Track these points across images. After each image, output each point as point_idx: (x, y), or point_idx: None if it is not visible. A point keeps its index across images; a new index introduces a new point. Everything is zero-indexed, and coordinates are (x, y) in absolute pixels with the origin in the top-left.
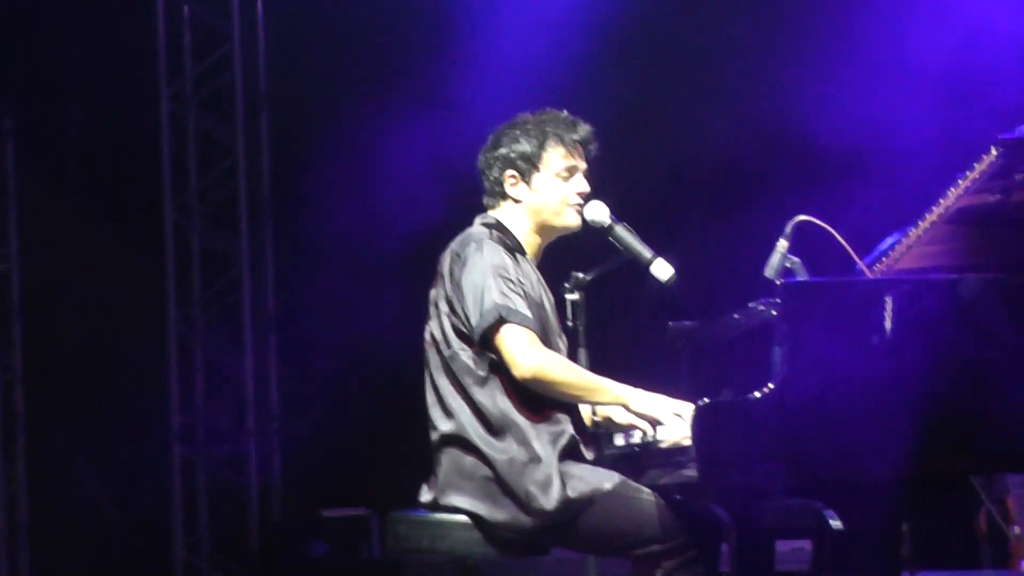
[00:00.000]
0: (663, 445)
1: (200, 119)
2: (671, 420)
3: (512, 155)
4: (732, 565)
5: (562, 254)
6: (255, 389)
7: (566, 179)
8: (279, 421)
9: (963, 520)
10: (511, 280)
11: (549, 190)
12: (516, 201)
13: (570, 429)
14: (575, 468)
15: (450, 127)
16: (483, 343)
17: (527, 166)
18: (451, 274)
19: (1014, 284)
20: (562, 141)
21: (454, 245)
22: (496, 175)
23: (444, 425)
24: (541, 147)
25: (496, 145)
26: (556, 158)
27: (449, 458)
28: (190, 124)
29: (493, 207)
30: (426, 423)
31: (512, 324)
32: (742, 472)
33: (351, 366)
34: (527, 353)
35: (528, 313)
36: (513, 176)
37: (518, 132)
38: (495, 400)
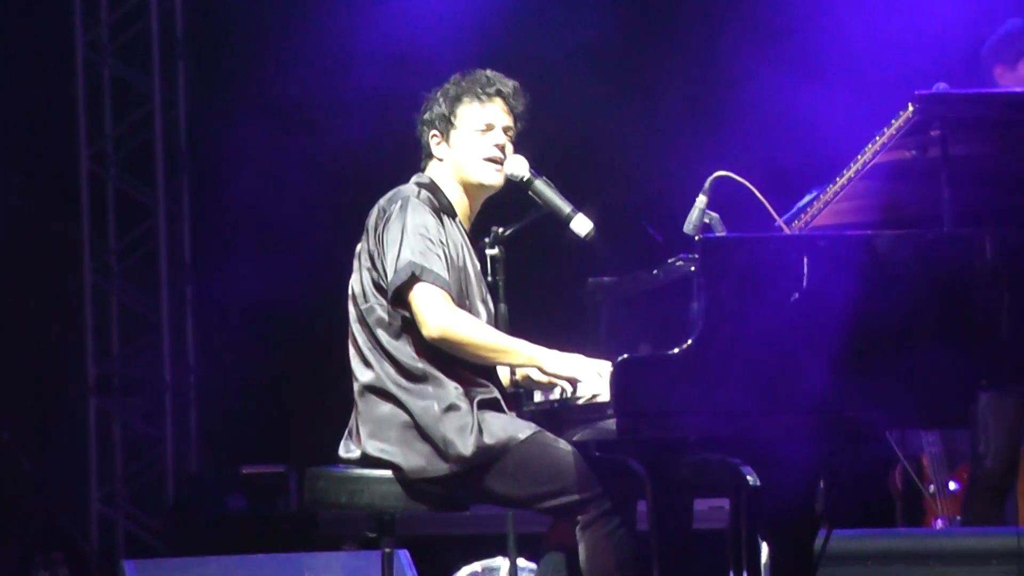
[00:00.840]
0: (581, 402)
1: (116, 67)
2: (587, 378)
3: (432, 117)
4: (650, 522)
5: (481, 209)
6: (171, 341)
7: (483, 133)
8: (195, 373)
9: (878, 478)
10: (431, 239)
11: (465, 145)
12: (440, 160)
13: (493, 391)
14: (493, 417)
15: (374, 74)
16: (395, 299)
17: (445, 125)
18: (375, 229)
19: (928, 239)
20: (477, 97)
21: (383, 201)
22: (425, 137)
23: (363, 375)
24: (455, 104)
25: (424, 109)
26: (470, 113)
27: (368, 407)
28: (105, 71)
29: (424, 168)
30: (346, 377)
31: (424, 283)
32: (660, 427)
33: (269, 319)
34: (437, 312)
35: (443, 273)
36: (436, 135)
37: (438, 94)
38: (411, 353)
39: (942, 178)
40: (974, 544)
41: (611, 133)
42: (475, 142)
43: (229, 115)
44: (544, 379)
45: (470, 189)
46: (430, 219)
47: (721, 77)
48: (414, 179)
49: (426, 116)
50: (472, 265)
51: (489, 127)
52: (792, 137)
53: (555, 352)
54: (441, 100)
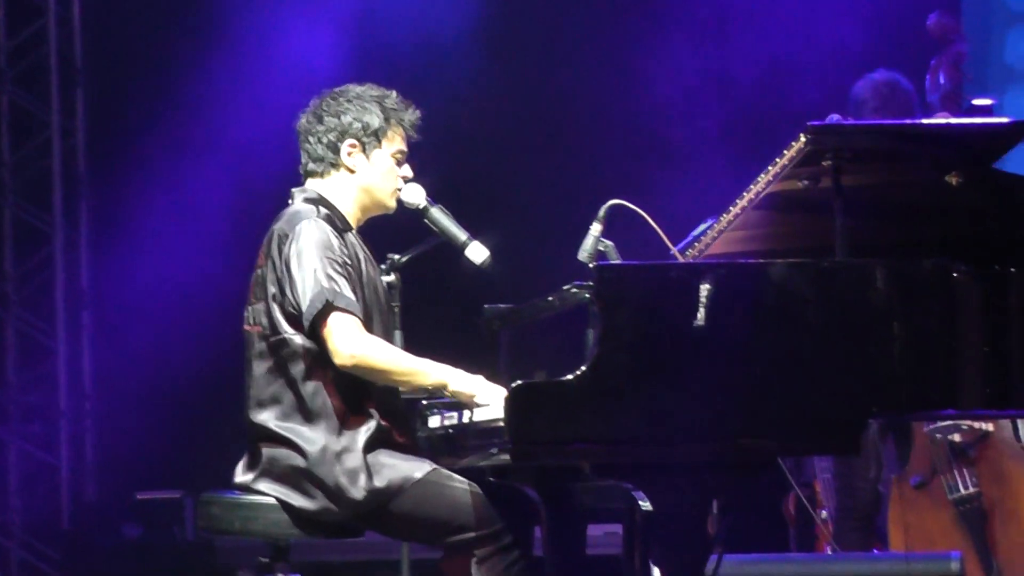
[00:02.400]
0: (479, 427)
1: (14, 93)
2: (489, 401)
3: (357, 125)
4: (545, 548)
5: (377, 236)
6: (68, 367)
7: (398, 162)
8: (92, 400)
9: (772, 504)
10: (336, 261)
11: (384, 169)
12: (350, 171)
13: (384, 423)
14: (386, 457)
15: (274, 100)
16: (311, 330)
17: (371, 140)
18: (279, 255)
19: (821, 269)
20: (402, 124)
21: (280, 225)
22: (332, 140)
23: (258, 413)
24: (387, 124)
25: (336, 112)
26: (397, 139)
27: (262, 447)
28: (4, 98)
29: (320, 175)
30: (242, 405)
31: (337, 311)
32: (554, 454)
33: (166, 346)
34: (349, 341)
35: (352, 297)
36: (353, 146)
37: (364, 104)
38: (316, 388)
39: (834, 208)
40: (864, 570)
41: (508, 161)
42: (393, 169)
43: (129, 142)
44: (448, 397)
45: (368, 208)
46: (334, 239)
47: (621, 103)
48: (300, 196)
49: (346, 120)
50: (375, 277)
51: (404, 157)
52: (686, 164)
53: (460, 372)
54: (375, 111)
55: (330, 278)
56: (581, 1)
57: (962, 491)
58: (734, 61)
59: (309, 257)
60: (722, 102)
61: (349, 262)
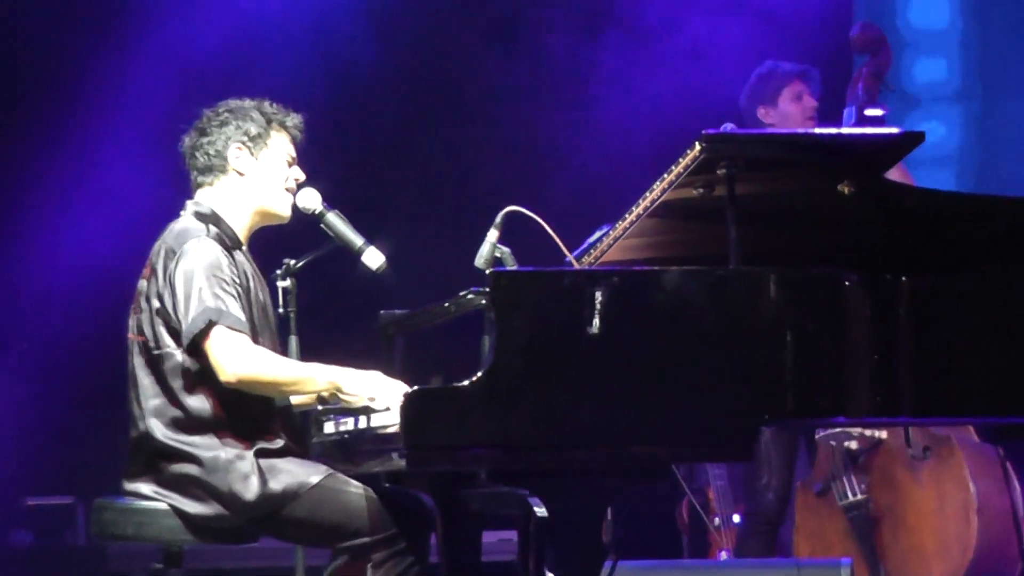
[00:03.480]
0: (372, 432)
1: None
2: (386, 398)
3: (240, 131)
4: (440, 555)
5: (273, 241)
6: None
7: (288, 164)
8: None
9: (665, 511)
10: (225, 280)
11: (274, 169)
12: (240, 174)
13: (279, 434)
14: (281, 463)
15: (162, 94)
16: (192, 346)
17: (256, 142)
18: (164, 270)
19: (715, 277)
20: (285, 126)
21: (168, 239)
22: (219, 148)
23: (144, 423)
24: (268, 128)
25: (219, 124)
26: (282, 142)
27: (151, 456)
28: None
29: (207, 184)
30: (132, 412)
31: (222, 327)
32: (449, 460)
33: (55, 348)
34: (235, 358)
35: (240, 315)
36: (240, 148)
37: (244, 112)
38: (202, 402)
39: (728, 216)
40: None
41: (406, 167)
42: (283, 170)
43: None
44: (345, 399)
45: (260, 216)
46: (222, 258)
47: (516, 112)
48: (192, 209)
49: (229, 129)
50: (263, 293)
51: (293, 160)
52: (585, 170)
53: (353, 371)
54: (255, 117)
55: (216, 297)
56: (476, 7)
57: (851, 497)
58: (639, 66)
59: (196, 276)
60: (623, 109)
61: (238, 280)
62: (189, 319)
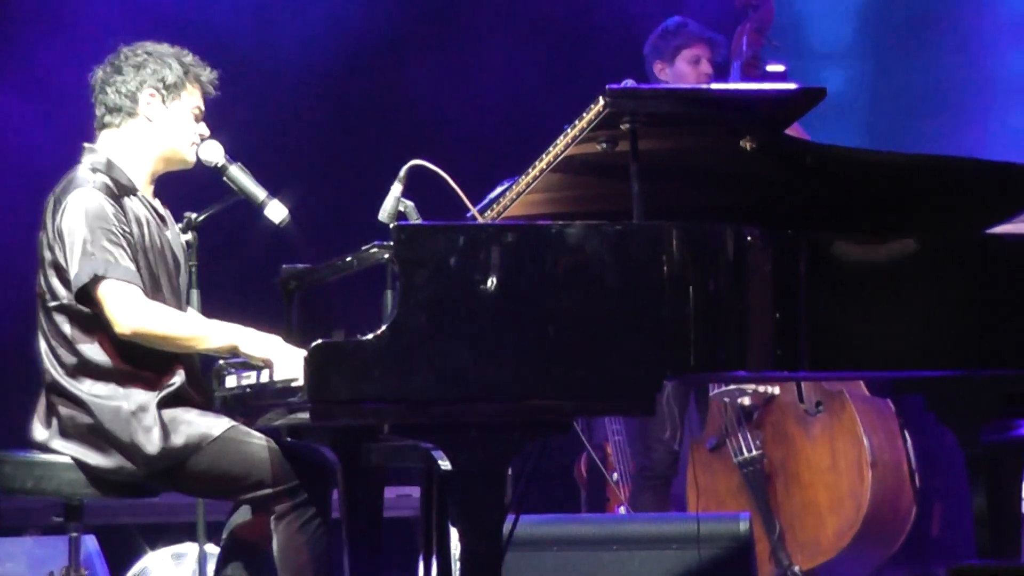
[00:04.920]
0: (275, 386)
1: None
2: (283, 360)
3: (156, 76)
4: (341, 509)
5: (174, 194)
6: None
7: (196, 118)
8: None
9: (564, 466)
10: (112, 231)
11: (183, 121)
12: (148, 120)
13: (179, 378)
14: (183, 414)
15: (60, 51)
16: (81, 298)
17: (170, 91)
18: (53, 222)
19: (616, 231)
20: (200, 80)
21: (57, 190)
22: (131, 89)
23: (50, 374)
24: (185, 79)
25: (135, 64)
26: (194, 95)
27: (55, 407)
28: None
29: (114, 125)
30: (35, 357)
31: (111, 280)
32: (353, 413)
33: None
34: (126, 311)
35: (130, 265)
36: (152, 95)
37: (163, 58)
38: (98, 351)
39: (631, 171)
40: (655, 530)
41: (310, 119)
42: (191, 123)
43: None
44: (242, 359)
45: (165, 162)
46: (108, 208)
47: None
48: (87, 159)
49: (145, 72)
50: (161, 237)
51: (201, 114)
52: (488, 127)
53: (252, 332)
54: (169, 67)
55: (103, 249)
56: None
57: (745, 454)
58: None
59: (81, 227)
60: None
61: (127, 230)
62: (75, 272)
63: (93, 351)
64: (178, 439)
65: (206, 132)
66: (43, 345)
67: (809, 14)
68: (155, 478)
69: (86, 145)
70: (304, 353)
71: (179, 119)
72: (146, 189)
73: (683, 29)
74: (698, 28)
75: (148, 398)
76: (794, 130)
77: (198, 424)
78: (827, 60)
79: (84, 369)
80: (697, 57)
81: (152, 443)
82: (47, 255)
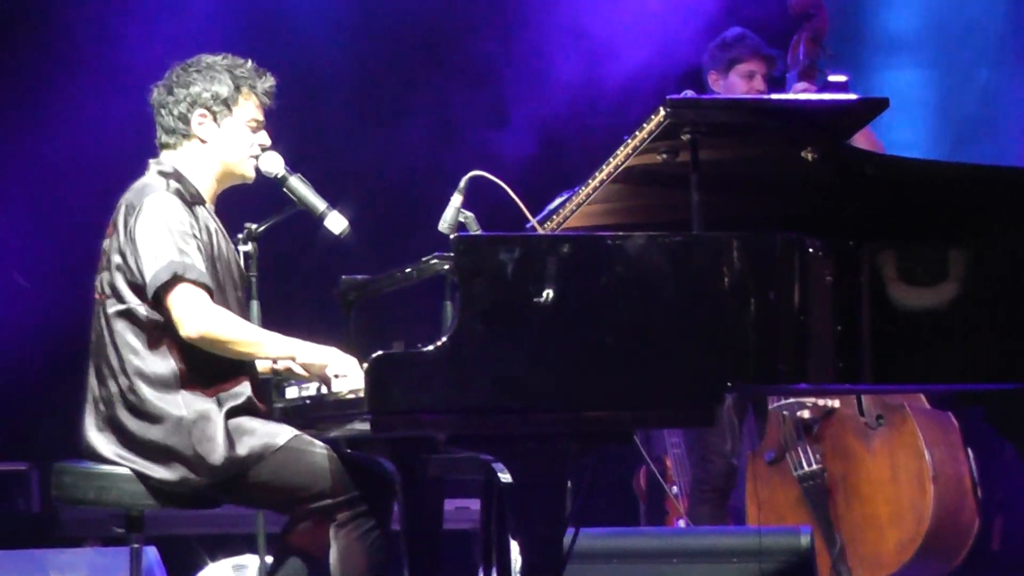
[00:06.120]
0: (334, 397)
1: None
2: (341, 372)
3: (205, 94)
4: (401, 521)
5: (235, 205)
6: None
7: (253, 130)
8: None
9: (623, 478)
10: (187, 234)
11: (238, 136)
12: (202, 141)
13: (246, 390)
14: (247, 423)
15: (120, 79)
16: (155, 300)
17: (221, 108)
18: (125, 225)
19: (677, 241)
20: (255, 91)
21: (129, 195)
22: (183, 111)
23: (112, 383)
24: (237, 91)
25: (186, 83)
26: (249, 107)
27: (116, 416)
28: None
29: (172, 146)
30: (95, 373)
31: (185, 282)
32: (413, 424)
33: (7, 311)
34: (196, 313)
35: (203, 269)
36: (204, 115)
37: (213, 73)
38: (165, 358)
39: (691, 182)
40: (715, 543)
41: (369, 130)
42: (247, 136)
43: None
44: (301, 371)
45: (224, 178)
46: (183, 212)
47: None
48: (155, 168)
49: (195, 91)
50: (227, 249)
51: (259, 125)
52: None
53: (310, 344)
54: (218, 82)
55: (181, 251)
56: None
57: (805, 468)
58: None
59: (156, 229)
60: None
61: (198, 236)
62: (152, 272)
63: (156, 359)
64: (242, 449)
65: (267, 142)
66: (103, 351)
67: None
68: (217, 488)
69: (151, 161)
70: (356, 363)
71: (234, 135)
72: (210, 205)
73: (740, 42)
74: (755, 42)
75: (211, 407)
76: (865, 135)
77: (261, 433)
78: (893, 55)
79: (146, 377)
80: (751, 72)
81: (216, 453)
82: (116, 258)
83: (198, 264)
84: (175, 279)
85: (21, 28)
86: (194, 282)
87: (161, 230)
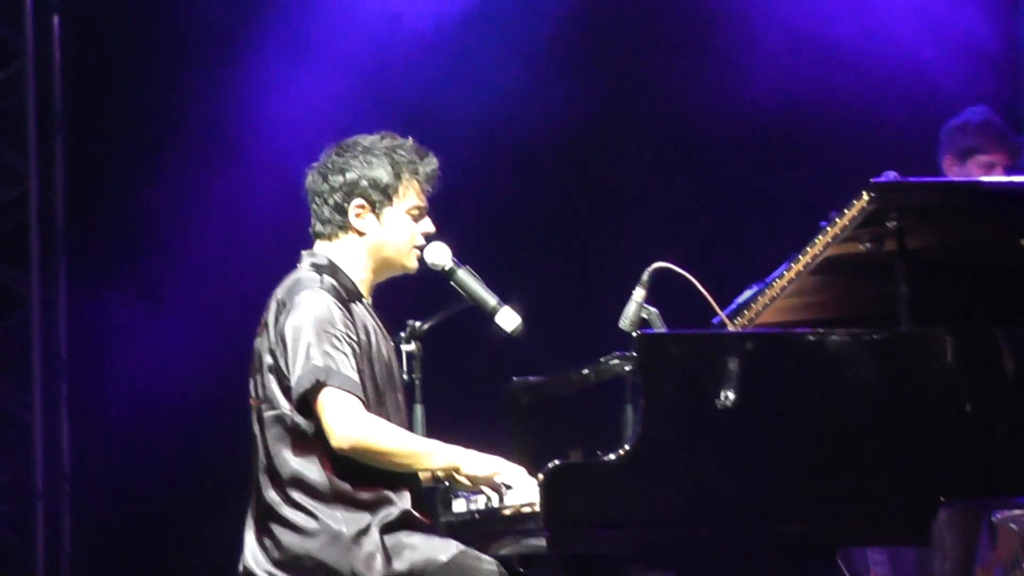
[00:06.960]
0: (507, 512)
1: None
2: (510, 481)
3: (363, 182)
4: None
5: (397, 300)
6: (44, 443)
7: (416, 218)
8: (70, 481)
9: None
10: (337, 336)
11: (399, 228)
12: (360, 234)
13: (403, 502)
14: (407, 538)
15: (271, 140)
16: (301, 406)
17: (380, 197)
18: (275, 324)
19: (883, 339)
20: (416, 176)
21: (280, 292)
22: (338, 201)
23: (269, 493)
24: (398, 178)
25: (341, 168)
26: (411, 194)
27: (270, 530)
28: None
29: (328, 238)
30: (241, 485)
31: (332, 388)
32: (593, 540)
33: (154, 420)
34: (345, 423)
35: (353, 375)
36: (361, 206)
37: (371, 157)
38: (319, 468)
39: (898, 273)
40: None
41: (543, 220)
42: (409, 226)
43: (111, 195)
44: (465, 481)
45: (385, 270)
46: (336, 311)
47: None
48: (308, 259)
49: (351, 178)
50: (386, 347)
51: (422, 212)
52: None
53: (474, 453)
54: (377, 166)
55: (326, 355)
56: (629, 47)
57: None
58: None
59: (306, 331)
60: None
61: (353, 337)
62: (296, 377)
63: (311, 468)
64: (401, 565)
65: (430, 229)
66: (258, 460)
67: None
68: None
69: (304, 252)
70: (528, 474)
71: (395, 226)
72: (367, 299)
73: (984, 129)
74: (1000, 129)
75: (369, 521)
76: None
77: (424, 549)
78: None
79: (301, 487)
80: (992, 164)
81: (374, 571)
82: (267, 359)
83: (345, 369)
84: (318, 385)
85: (185, 124)
86: (341, 388)
87: (309, 331)
